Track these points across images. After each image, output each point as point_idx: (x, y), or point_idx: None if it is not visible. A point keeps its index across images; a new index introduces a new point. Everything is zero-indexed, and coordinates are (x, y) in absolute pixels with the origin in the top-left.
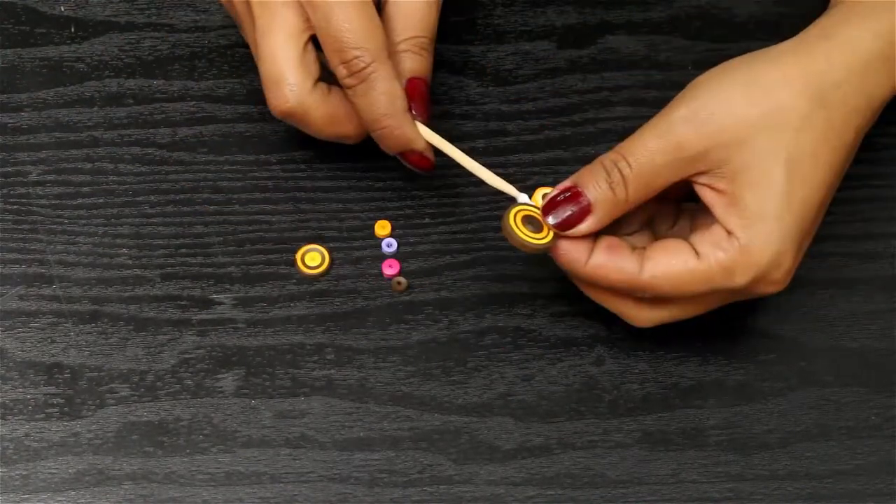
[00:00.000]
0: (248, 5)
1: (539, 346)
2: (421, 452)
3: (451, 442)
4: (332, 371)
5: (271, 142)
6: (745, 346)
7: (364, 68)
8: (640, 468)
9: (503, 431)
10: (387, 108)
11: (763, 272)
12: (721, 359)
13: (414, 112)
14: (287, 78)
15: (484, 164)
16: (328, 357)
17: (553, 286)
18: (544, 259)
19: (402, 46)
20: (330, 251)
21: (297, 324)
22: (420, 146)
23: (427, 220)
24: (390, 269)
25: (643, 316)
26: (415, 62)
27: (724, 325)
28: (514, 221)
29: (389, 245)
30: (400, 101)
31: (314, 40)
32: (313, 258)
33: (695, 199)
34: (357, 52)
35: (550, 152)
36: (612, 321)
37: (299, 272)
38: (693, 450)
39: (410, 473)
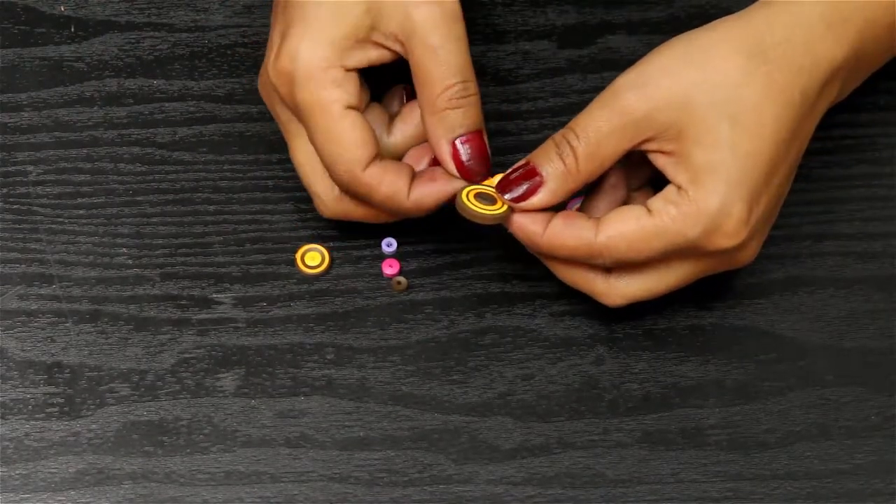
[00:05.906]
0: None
1: (539, 346)
2: (421, 452)
3: (451, 442)
4: (332, 371)
5: (271, 142)
6: (745, 346)
7: (349, 182)
8: (640, 468)
9: (503, 431)
10: (392, 204)
11: (713, 222)
12: (721, 359)
13: (475, 169)
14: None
15: None
16: (328, 357)
17: (553, 286)
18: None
19: (439, 104)
20: (330, 251)
21: (297, 323)
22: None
23: (427, 220)
24: (390, 268)
25: (614, 292)
26: (456, 118)
27: (725, 324)
28: (466, 197)
29: (389, 245)
30: (405, 193)
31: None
32: (313, 258)
33: None
34: (337, 169)
35: None
36: (612, 321)
37: (299, 272)
38: (693, 449)
39: (410, 473)
